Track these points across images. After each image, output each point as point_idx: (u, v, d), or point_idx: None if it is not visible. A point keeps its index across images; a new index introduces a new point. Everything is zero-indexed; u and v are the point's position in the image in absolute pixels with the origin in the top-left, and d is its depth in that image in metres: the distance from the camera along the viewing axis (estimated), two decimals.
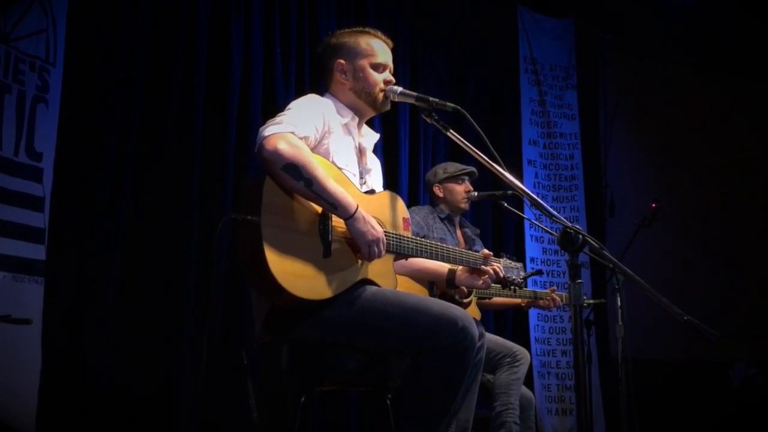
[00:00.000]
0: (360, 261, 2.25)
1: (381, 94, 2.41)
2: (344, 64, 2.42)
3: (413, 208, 3.98)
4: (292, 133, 2.13)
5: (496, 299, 3.74)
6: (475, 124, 2.03)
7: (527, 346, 5.08)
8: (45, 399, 3.18)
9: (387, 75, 2.43)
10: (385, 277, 2.35)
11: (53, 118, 3.36)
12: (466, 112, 2.09)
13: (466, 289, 2.93)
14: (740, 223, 6.26)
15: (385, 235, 2.25)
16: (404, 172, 4.78)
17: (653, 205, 3.94)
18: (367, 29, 2.50)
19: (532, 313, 5.11)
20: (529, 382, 4.95)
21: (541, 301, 3.79)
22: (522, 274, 2.93)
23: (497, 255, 2.79)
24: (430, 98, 2.20)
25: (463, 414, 2.20)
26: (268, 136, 2.09)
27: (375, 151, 4.57)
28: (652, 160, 6.20)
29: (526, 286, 2.94)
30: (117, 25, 3.75)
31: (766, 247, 6.18)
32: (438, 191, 3.88)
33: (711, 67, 6.34)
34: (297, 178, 2.06)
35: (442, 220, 3.77)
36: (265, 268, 2.02)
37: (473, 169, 3.86)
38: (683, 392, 5.59)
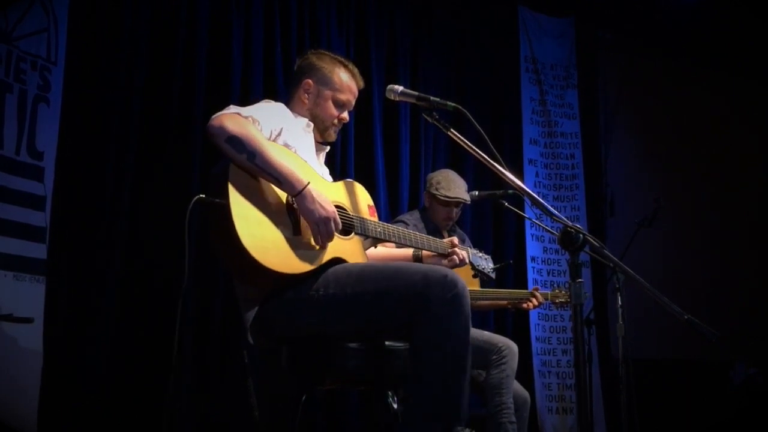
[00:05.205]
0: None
1: (331, 129, 2.54)
2: (311, 86, 2.52)
3: (404, 214, 3.96)
4: (238, 114, 2.22)
5: (481, 302, 3.75)
6: (475, 123, 2.02)
7: (528, 346, 5.10)
8: (46, 398, 3.19)
9: (344, 114, 2.56)
10: (357, 256, 2.34)
11: (54, 117, 3.36)
12: (467, 111, 2.08)
13: None
14: (741, 222, 6.26)
15: (348, 218, 2.30)
16: (405, 172, 4.78)
17: (654, 204, 3.93)
18: (347, 63, 2.58)
19: (533, 312, 5.11)
20: (529, 381, 4.97)
21: (523, 304, 3.82)
22: (491, 264, 2.95)
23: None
24: (431, 97, 2.19)
25: None
26: (215, 116, 2.19)
27: (375, 149, 4.63)
28: (653, 159, 6.20)
29: (494, 279, 3.00)
30: (118, 24, 3.75)
31: (766, 247, 6.19)
32: (426, 200, 3.86)
33: (712, 66, 6.33)
34: (240, 151, 2.12)
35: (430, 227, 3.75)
36: (237, 243, 2.03)
37: (465, 200, 3.76)
38: (683, 392, 5.60)
